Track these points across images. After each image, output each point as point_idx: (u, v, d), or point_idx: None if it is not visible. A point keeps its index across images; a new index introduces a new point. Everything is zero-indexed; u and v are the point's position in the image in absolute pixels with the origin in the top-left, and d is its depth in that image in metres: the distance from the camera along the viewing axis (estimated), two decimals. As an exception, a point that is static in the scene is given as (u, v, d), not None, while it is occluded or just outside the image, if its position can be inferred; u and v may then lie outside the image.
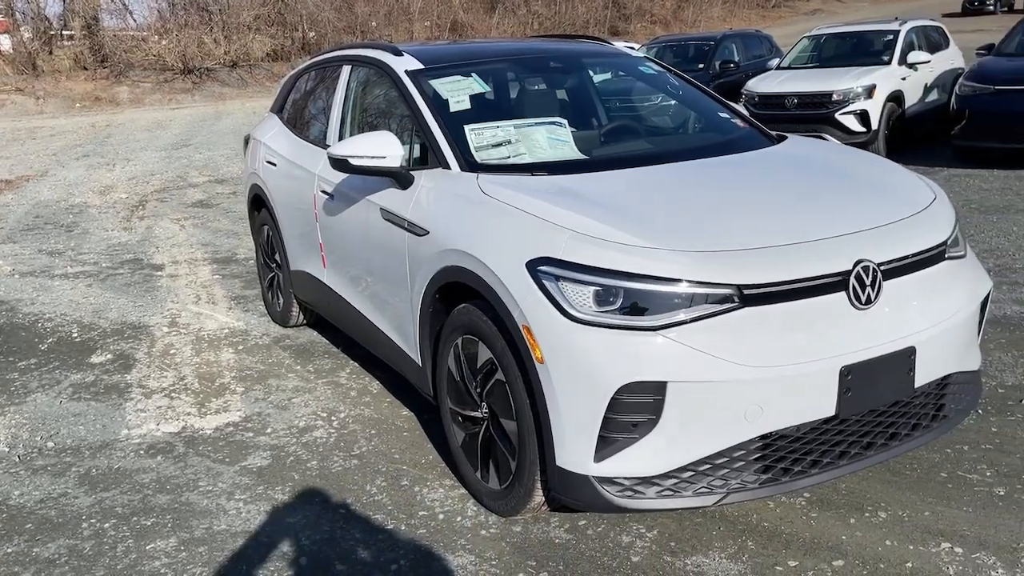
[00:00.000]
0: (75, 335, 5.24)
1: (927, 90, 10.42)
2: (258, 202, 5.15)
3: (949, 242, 2.84)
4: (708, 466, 2.48)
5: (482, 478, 3.00)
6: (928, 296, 2.71)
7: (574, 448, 2.49)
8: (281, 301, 5.09)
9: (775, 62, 11.59)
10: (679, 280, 2.40)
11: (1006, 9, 36.74)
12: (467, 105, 3.49)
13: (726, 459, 2.48)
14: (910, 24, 10.61)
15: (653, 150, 3.61)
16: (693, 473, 2.47)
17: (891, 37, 10.33)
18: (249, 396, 4.17)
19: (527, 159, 3.29)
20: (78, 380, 4.50)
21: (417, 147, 3.44)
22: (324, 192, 4.01)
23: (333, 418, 3.86)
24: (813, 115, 9.44)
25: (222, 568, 2.77)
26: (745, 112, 3.96)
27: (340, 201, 3.84)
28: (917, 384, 2.65)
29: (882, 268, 2.58)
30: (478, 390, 2.95)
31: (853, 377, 2.49)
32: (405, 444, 3.57)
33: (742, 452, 2.49)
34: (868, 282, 2.54)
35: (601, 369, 2.40)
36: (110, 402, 4.18)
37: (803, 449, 2.56)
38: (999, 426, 3.38)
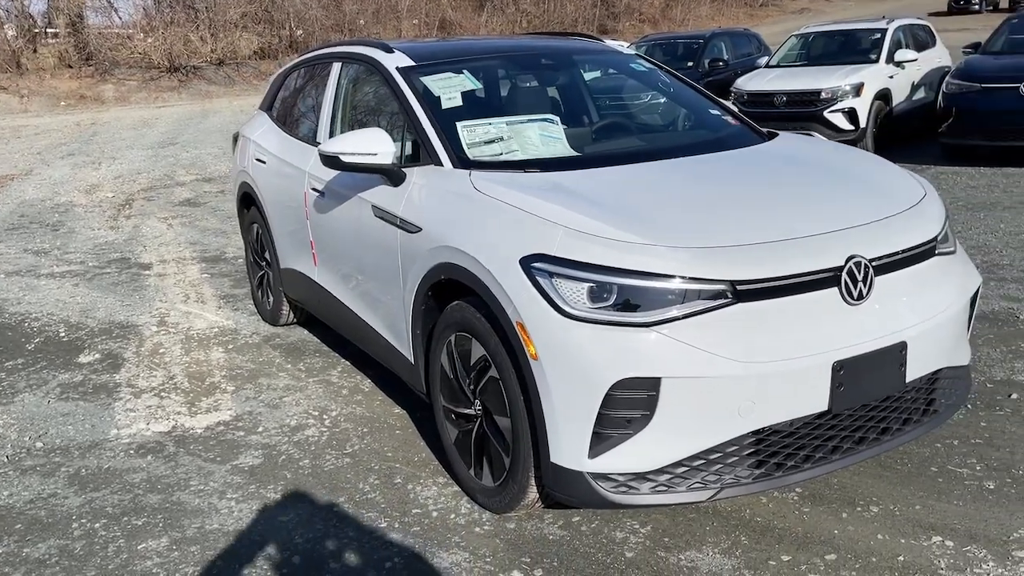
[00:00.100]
0: (62, 335, 5.20)
1: (914, 88, 10.50)
2: (247, 200, 5.13)
3: (939, 238, 2.86)
4: (702, 461, 2.48)
5: (476, 475, 3.00)
6: (919, 292, 2.72)
7: (568, 444, 2.49)
8: (271, 300, 5.07)
9: (764, 60, 11.64)
10: (673, 276, 2.41)
11: (991, 8, 37.03)
12: (459, 102, 3.49)
13: (720, 454, 2.49)
14: (897, 23, 10.69)
15: (645, 147, 3.62)
16: (687, 468, 2.48)
17: (879, 36, 10.40)
18: (240, 395, 4.15)
19: (519, 156, 3.29)
20: (66, 380, 4.46)
21: (409, 144, 3.43)
22: (315, 189, 3.99)
23: (325, 416, 3.85)
24: (802, 113, 9.49)
25: (215, 567, 2.76)
26: (735, 109, 3.97)
27: (331, 198, 3.82)
28: (908, 379, 2.67)
29: (873, 264, 2.59)
30: (471, 387, 2.94)
31: (845, 372, 2.50)
32: (398, 442, 3.56)
33: (735, 447, 2.50)
34: (860, 278, 2.55)
35: (595, 365, 2.40)
36: (99, 402, 4.15)
37: (796, 444, 2.57)
38: (988, 421, 3.41)
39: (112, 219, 8.86)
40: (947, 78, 9.32)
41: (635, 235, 2.49)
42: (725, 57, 13.25)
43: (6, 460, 3.58)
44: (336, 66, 4.24)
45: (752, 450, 2.52)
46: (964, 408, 3.47)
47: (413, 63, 3.68)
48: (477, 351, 2.84)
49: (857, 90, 9.45)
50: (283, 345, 4.83)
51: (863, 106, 9.43)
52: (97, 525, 3.03)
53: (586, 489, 2.50)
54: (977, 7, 36.45)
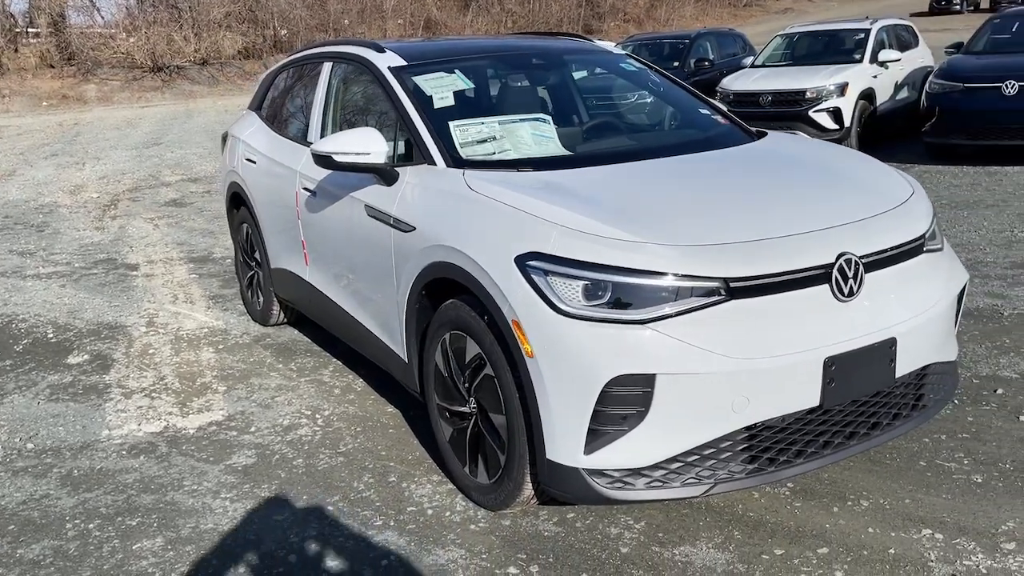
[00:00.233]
0: (50, 336, 5.17)
1: (898, 88, 10.60)
2: (237, 200, 5.12)
3: (927, 235, 2.90)
4: (696, 457, 2.51)
5: (470, 473, 3.01)
6: (907, 288, 2.76)
7: (564, 441, 2.51)
8: (261, 300, 5.06)
9: (749, 60, 11.71)
10: (668, 274, 2.43)
11: (972, 8, 37.42)
12: (451, 101, 3.50)
13: (713, 450, 2.52)
14: (881, 23, 10.79)
15: (637, 146, 3.65)
16: (681, 464, 2.51)
17: (862, 36, 10.49)
18: (231, 395, 4.14)
19: (512, 155, 3.30)
20: (55, 381, 4.44)
21: (401, 143, 3.44)
22: (306, 189, 3.99)
23: (317, 416, 3.85)
24: (787, 112, 9.56)
25: (210, 567, 2.76)
26: (725, 109, 4.01)
27: (323, 198, 3.82)
28: (898, 374, 2.71)
29: (864, 261, 2.63)
30: (466, 385, 2.96)
31: (836, 368, 2.53)
32: (391, 441, 3.57)
33: (729, 443, 2.52)
34: (850, 274, 2.59)
35: (591, 363, 2.42)
36: (89, 403, 4.13)
37: (788, 439, 2.60)
38: (975, 416, 3.45)
39: (97, 220, 8.81)
40: (930, 78, 9.42)
41: (630, 233, 2.51)
42: (711, 57, 13.32)
43: (-3, 462, 3.57)
44: (327, 66, 4.24)
45: (745, 445, 2.55)
46: (951, 403, 3.52)
47: (405, 63, 3.69)
48: (472, 349, 2.85)
49: (842, 90, 9.54)
50: (274, 345, 4.83)
51: (848, 105, 9.51)
52: (91, 526, 3.02)
53: (582, 485, 2.52)
54: (958, 7, 36.83)
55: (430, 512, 3.00)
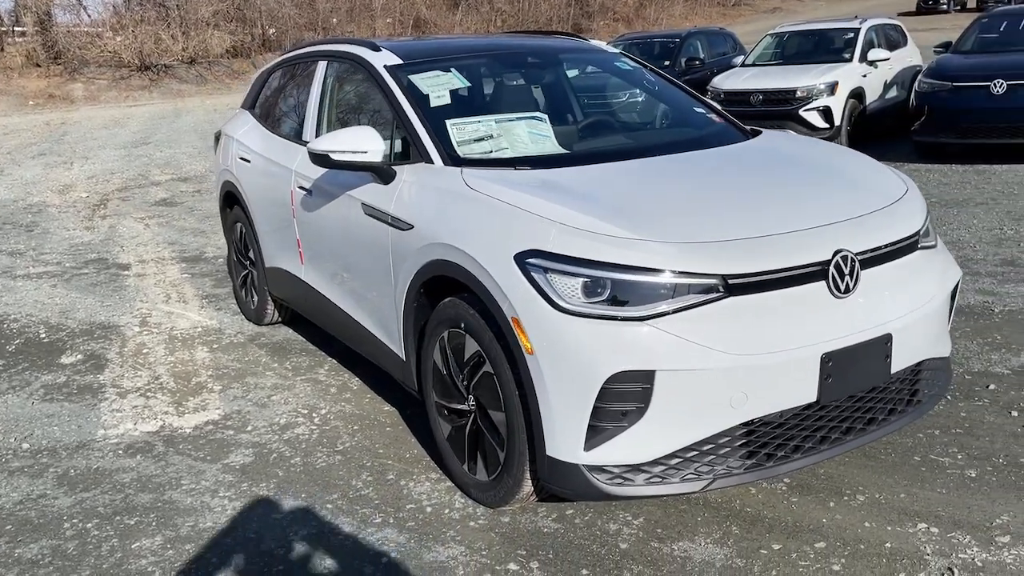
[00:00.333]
0: (43, 335, 5.14)
1: (887, 87, 10.67)
2: (231, 199, 5.10)
3: (921, 232, 2.92)
4: (695, 452, 2.52)
5: (469, 470, 3.02)
6: (903, 285, 2.79)
7: (564, 437, 2.52)
8: (255, 299, 5.05)
9: (739, 59, 11.76)
10: (667, 271, 2.45)
11: (959, 8, 37.69)
12: (447, 100, 3.51)
13: (712, 445, 2.53)
14: (870, 22, 10.86)
15: (633, 144, 3.66)
16: (680, 460, 2.52)
17: (852, 35, 10.56)
18: (227, 394, 4.14)
19: (509, 153, 3.31)
20: (49, 381, 4.42)
21: (398, 142, 3.44)
22: (302, 188, 3.99)
23: (314, 415, 3.85)
24: (777, 111, 9.61)
25: (210, 565, 2.76)
26: (719, 108, 4.03)
27: (319, 197, 3.82)
28: (893, 370, 2.73)
29: (859, 258, 2.65)
30: (465, 383, 2.96)
31: (833, 364, 2.56)
32: (389, 439, 3.58)
33: (727, 438, 2.54)
34: (846, 271, 2.61)
35: (591, 359, 2.44)
36: (84, 402, 4.12)
37: (785, 435, 2.62)
38: (967, 411, 3.49)
39: (87, 219, 8.76)
40: (919, 77, 9.49)
41: (629, 231, 2.53)
42: (701, 56, 13.38)
43: (-8, 462, 3.55)
44: (321, 64, 4.24)
45: (743, 441, 2.56)
46: (943, 399, 3.55)
47: (401, 61, 3.70)
48: (471, 347, 2.86)
49: (832, 89, 9.60)
50: (268, 344, 4.82)
51: (838, 104, 9.57)
52: (89, 525, 3.01)
53: (582, 481, 2.54)
54: (945, 7, 37.11)
55: (429, 509, 3.01)
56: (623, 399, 2.45)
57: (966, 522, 2.74)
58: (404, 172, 3.27)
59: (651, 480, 2.52)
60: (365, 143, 3.24)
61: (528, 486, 2.78)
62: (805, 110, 9.56)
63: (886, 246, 2.74)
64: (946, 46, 9.97)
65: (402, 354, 3.34)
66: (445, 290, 2.99)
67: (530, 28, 31.28)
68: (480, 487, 2.98)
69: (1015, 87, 8.27)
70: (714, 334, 2.45)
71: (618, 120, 4.09)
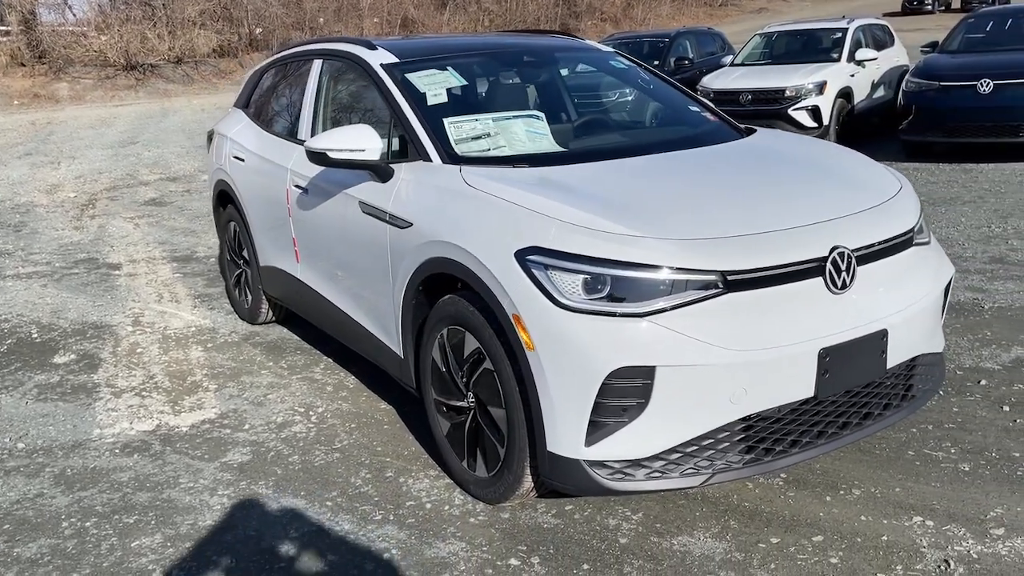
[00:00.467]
0: (35, 335, 5.12)
1: (874, 86, 10.76)
2: (224, 198, 5.09)
3: (916, 229, 2.96)
4: (694, 447, 2.55)
5: (469, 467, 3.03)
6: (898, 281, 2.82)
7: (565, 433, 2.54)
8: (249, 298, 5.04)
9: (728, 59, 11.82)
10: (666, 267, 2.47)
11: (943, 8, 38.02)
12: (444, 98, 3.51)
13: (711, 440, 2.55)
14: (857, 22, 10.95)
15: (629, 142, 3.68)
16: (680, 455, 2.54)
17: (840, 35, 10.65)
18: (223, 393, 4.13)
19: (507, 151, 3.33)
20: (43, 381, 4.40)
21: (395, 140, 3.44)
22: (297, 186, 3.99)
23: (311, 413, 3.85)
24: (766, 111, 9.66)
25: (211, 563, 2.76)
26: (713, 106, 4.06)
27: (315, 195, 3.82)
28: (889, 365, 2.76)
29: (856, 254, 2.68)
30: (464, 380, 2.97)
31: (830, 359, 2.58)
32: (386, 436, 3.58)
33: (726, 433, 2.56)
34: (843, 267, 2.64)
35: (592, 355, 2.45)
36: (79, 402, 4.10)
37: (783, 430, 2.65)
38: (960, 406, 3.53)
39: (76, 219, 8.71)
40: (907, 76, 9.56)
41: (629, 228, 2.54)
42: (690, 56, 13.43)
43: (-13, 462, 3.53)
44: (317, 63, 4.24)
45: (742, 436, 2.59)
46: (937, 394, 3.59)
47: (397, 59, 3.70)
48: (471, 344, 2.87)
49: (820, 88, 9.67)
50: (263, 343, 4.81)
51: (826, 104, 9.64)
52: (88, 524, 3.01)
53: (583, 477, 2.55)
54: (930, 7, 37.45)
55: (429, 506, 3.02)
56: (624, 395, 2.47)
57: (961, 515, 2.78)
58: (402, 170, 3.28)
59: (651, 475, 2.54)
60: (363, 141, 3.25)
61: (528, 482, 2.79)
62: (794, 109, 9.63)
63: (882, 242, 2.78)
64: (933, 46, 10.06)
65: (400, 351, 3.35)
66: (444, 287, 3.00)
67: (518, 28, 31.29)
68: (480, 483, 2.99)
69: (1001, 86, 8.35)
70: (713, 330, 2.47)
71: (614, 118, 4.11)
